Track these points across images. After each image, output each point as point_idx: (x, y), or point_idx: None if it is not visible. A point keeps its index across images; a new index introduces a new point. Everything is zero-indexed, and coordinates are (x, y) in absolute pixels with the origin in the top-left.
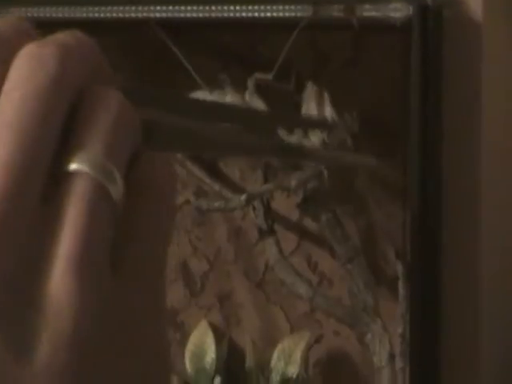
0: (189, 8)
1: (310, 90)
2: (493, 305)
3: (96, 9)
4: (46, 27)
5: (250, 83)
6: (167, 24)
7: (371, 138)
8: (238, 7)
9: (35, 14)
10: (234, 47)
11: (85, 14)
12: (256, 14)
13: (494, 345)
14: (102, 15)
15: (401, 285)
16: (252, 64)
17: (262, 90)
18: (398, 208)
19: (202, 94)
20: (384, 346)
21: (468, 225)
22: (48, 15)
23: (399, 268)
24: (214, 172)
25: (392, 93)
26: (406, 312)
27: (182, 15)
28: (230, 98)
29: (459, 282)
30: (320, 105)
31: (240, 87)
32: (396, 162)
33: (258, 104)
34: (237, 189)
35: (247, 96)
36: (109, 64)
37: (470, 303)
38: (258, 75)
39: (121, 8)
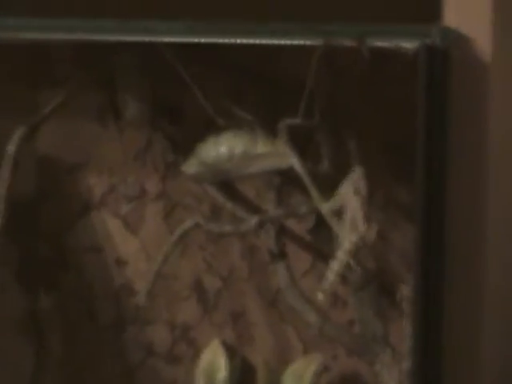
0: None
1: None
2: (497, 333)
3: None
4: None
5: (283, 131)
6: (177, 46)
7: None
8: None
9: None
10: (244, 70)
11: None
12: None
13: (495, 373)
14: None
15: (405, 307)
16: (264, 85)
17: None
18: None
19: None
20: (393, 376)
21: (473, 254)
22: (60, 38)
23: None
24: (229, 190)
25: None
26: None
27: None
28: (261, 147)
29: (464, 309)
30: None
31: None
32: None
33: (290, 156)
34: (252, 208)
35: (280, 147)
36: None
37: (474, 332)
38: (289, 121)
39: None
